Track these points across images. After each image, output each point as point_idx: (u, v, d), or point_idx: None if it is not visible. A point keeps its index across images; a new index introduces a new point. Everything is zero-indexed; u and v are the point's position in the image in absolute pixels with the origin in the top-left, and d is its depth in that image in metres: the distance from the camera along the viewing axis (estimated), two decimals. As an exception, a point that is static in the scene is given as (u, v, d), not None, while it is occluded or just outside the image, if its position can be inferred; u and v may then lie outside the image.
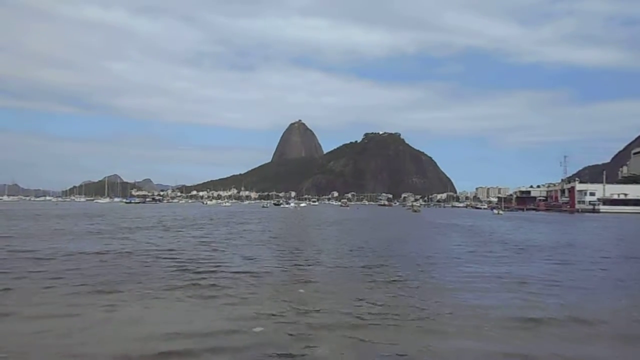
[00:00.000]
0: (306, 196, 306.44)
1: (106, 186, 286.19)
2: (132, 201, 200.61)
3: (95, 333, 8.06)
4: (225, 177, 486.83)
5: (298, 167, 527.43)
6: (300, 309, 9.83)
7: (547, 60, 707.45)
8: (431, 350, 7.47)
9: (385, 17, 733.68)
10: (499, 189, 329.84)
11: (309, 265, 16.65)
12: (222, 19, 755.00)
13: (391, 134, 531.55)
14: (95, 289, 11.61)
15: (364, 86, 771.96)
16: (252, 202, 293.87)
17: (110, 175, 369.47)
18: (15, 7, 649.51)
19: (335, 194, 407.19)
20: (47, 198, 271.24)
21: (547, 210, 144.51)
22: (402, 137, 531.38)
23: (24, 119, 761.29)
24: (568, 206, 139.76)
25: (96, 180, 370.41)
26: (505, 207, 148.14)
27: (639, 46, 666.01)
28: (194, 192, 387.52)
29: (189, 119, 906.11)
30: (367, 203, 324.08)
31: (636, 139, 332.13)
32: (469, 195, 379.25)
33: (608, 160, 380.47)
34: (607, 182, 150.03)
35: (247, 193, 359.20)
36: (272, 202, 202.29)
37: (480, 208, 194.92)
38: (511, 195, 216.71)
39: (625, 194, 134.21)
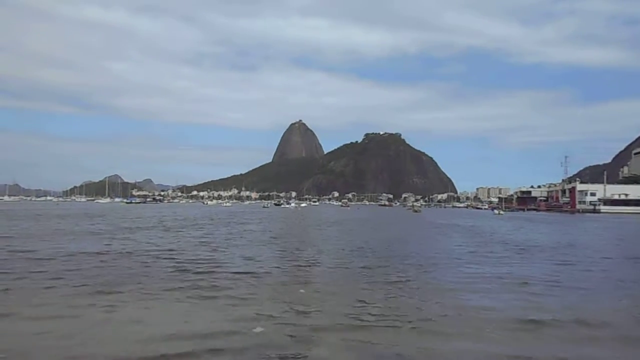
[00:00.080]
0: (307, 196, 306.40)
1: (107, 186, 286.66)
2: (133, 201, 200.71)
3: (95, 334, 8.05)
4: (225, 177, 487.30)
5: (299, 167, 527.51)
6: (300, 310, 9.82)
7: (548, 60, 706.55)
8: (432, 352, 7.45)
9: (386, 17, 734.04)
10: (500, 189, 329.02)
11: (310, 266, 16.64)
12: (222, 19, 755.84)
13: (392, 134, 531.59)
14: (95, 289, 11.60)
15: (365, 86, 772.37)
16: (253, 202, 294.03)
17: (111, 176, 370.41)
18: (15, 7, 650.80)
19: (336, 194, 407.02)
20: (48, 198, 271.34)
21: (547, 210, 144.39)
22: (402, 137, 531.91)
23: (24, 119, 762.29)
24: (569, 206, 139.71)
25: (97, 181, 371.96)
26: (505, 208, 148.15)
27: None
28: (195, 192, 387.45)
29: (189, 119, 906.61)
30: (367, 203, 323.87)
31: (637, 139, 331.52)
32: (469, 195, 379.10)
33: (609, 160, 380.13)
34: (608, 183, 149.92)
35: (247, 193, 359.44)
36: (273, 202, 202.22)
37: (481, 208, 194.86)
38: (512, 195, 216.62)
39: (626, 195, 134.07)
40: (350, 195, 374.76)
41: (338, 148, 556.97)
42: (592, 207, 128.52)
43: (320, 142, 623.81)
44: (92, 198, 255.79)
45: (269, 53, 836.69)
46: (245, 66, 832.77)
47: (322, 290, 12.14)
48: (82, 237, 27.42)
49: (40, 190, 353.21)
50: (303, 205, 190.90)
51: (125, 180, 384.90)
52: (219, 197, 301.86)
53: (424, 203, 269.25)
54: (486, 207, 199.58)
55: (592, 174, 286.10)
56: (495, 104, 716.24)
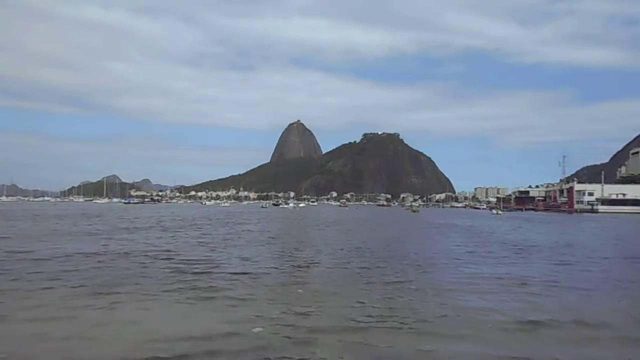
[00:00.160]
0: (305, 196, 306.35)
1: (105, 186, 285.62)
2: (131, 201, 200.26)
3: (93, 335, 8.02)
4: (224, 177, 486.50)
5: (297, 167, 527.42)
6: (299, 311, 9.79)
7: (547, 60, 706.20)
8: (431, 354, 7.43)
9: (385, 17, 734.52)
10: (498, 189, 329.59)
11: (308, 266, 16.63)
12: (222, 19, 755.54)
13: (390, 134, 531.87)
14: (93, 290, 11.57)
15: (364, 86, 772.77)
16: (251, 202, 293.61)
17: (109, 176, 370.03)
18: (15, 7, 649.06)
19: (334, 194, 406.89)
20: (46, 198, 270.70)
21: (545, 210, 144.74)
22: (401, 137, 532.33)
23: (24, 119, 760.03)
24: (567, 206, 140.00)
25: (95, 181, 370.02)
26: (504, 207, 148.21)
27: (639, 46, 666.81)
28: (193, 193, 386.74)
29: (188, 119, 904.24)
30: (365, 203, 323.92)
31: (634, 139, 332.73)
32: (467, 195, 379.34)
33: (606, 160, 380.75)
34: (606, 182, 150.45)
35: (246, 193, 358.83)
36: (271, 202, 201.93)
37: (479, 208, 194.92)
38: (510, 195, 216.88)
39: (624, 194, 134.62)
40: (348, 196, 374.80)
41: (336, 148, 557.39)
42: (589, 207, 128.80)
43: (318, 142, 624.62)
44: (90, 198, 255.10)
45: (268, 53, 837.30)
46: (244, 66, 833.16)
47: (321, 290, 12.11)
48: (80, 237, 27.35)
49: (38, 190, 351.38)
50: (301, 205, 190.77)
51: (123, 180, 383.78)
52: (217, 198, 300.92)
53: (422, 203, 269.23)
54: (484, 207, 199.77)
55: (590, 174, 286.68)
56: (494, 104, 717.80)
